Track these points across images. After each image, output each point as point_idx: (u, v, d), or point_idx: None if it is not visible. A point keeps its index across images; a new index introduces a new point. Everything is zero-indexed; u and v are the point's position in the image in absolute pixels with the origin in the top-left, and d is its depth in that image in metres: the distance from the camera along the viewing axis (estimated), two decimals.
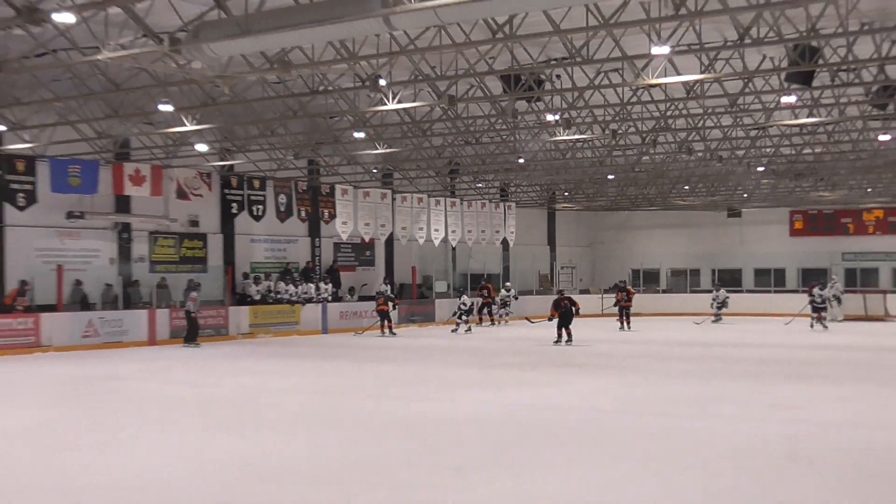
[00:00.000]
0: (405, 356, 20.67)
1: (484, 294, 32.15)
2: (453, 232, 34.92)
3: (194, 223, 27.91)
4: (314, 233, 31.53)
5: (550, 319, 23.45)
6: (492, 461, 8.90)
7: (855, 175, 32.93)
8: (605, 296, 35.02)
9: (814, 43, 15.42)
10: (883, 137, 24.60)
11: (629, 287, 30.35)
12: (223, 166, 27.53)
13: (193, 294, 23.33)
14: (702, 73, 17.03)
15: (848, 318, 32.00)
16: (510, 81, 17.84)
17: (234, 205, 28.36)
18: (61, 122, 21.09)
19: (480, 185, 36.03)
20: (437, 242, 34.44)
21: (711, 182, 35.43)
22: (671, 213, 43.18)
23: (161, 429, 11.11)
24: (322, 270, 31.58)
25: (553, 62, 18.05)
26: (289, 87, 20.39)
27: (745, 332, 27.38)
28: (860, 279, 38.88)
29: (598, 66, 17.93)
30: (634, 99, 20.90)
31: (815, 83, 17.22)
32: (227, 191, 28.28)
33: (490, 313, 31.97)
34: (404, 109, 20.89)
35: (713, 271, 39.89)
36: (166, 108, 19.23)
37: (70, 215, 24.49)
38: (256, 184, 28.81)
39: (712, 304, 32.21)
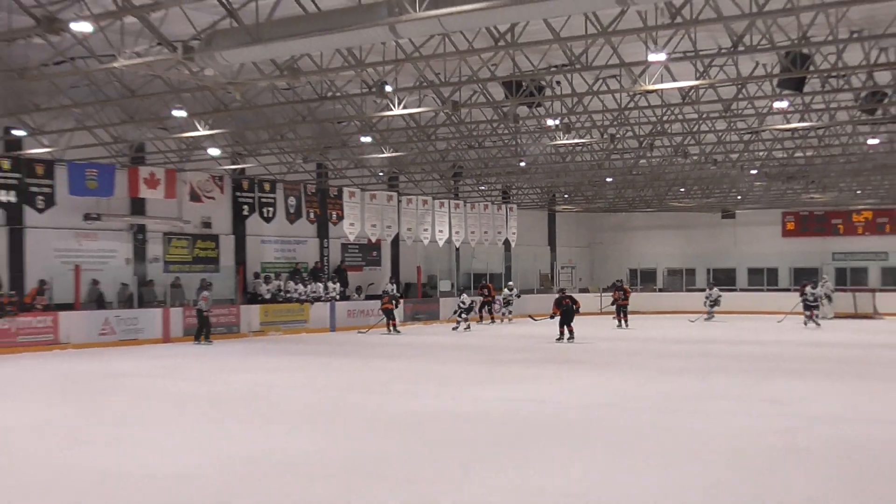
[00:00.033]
0: (410, 353, 20.64)
1: (484, 293, 32.17)
2: (457, 233, 34.91)
3: (207, 225, 27.92)
4: (323, 234, 31.54)
5: (552, 317, 23.41)
6: (494, 455, 8.88)
7: (845, 178, 32.86)
8: (603, 294, 34.99)
9: (805, 50, 15.39)
10: (872, 141, 24.58)
11: (626, 286, 30.35)
12: (235, 170, 27.54)
13: (205, 293, 23.36)
14: (697, 79, 17.00)
15: (838, 316, 31.98)
16: (512, 87, 17.82)
17: (246, 207, 28.37)
18: (79, 128, 21.11)
19: (483, 187, 36.01)
20: (441, 243, 34.44)
21: (706, 184, 35.38)
22: (667, 215, 43.14)
23: (174, 423, 11.12)
24: (330, 270, 31.58)
25: (553, 69, 18.02)
26: (298, 93, 20.40)
27: (740, 330, 27.35)
28: (850, 278, 38.87)
29: (596, 72, 17.92)
30: (632, 104, 20.88)
31: (807, 89, 17.20)
32: (238, 193, 28.29)
33: (490, 312, 31.97)
34: (410, 115, 20.88)
35: (708, 271, 39.85)
36: (180, 113, 19.25)
37: (87, 217, 24.51)
38: (267, 186, 28.82)
39: (705, 302, 32.25)
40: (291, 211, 29.51)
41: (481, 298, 31.92)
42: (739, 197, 38.51)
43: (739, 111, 21.53)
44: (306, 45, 12.49)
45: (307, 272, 30.16)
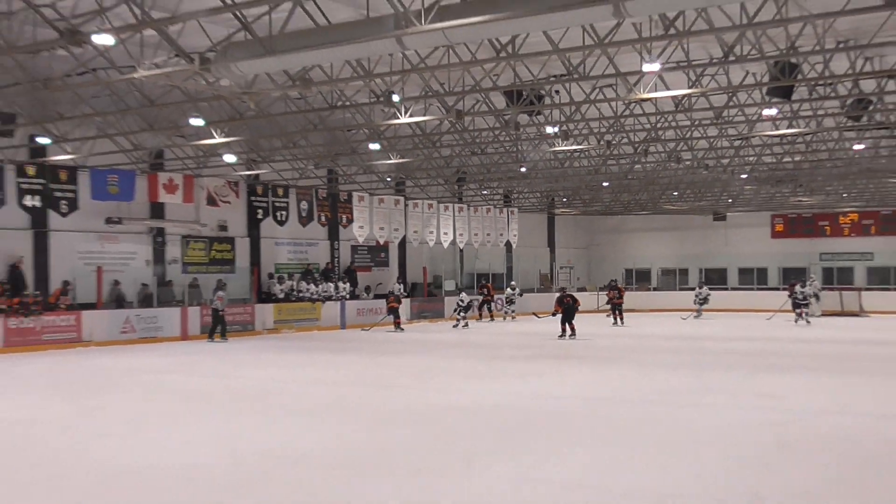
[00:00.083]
0: (416, 350, 20.62)
1: (484, 293, 32.15)
2: (461, 235, 34.89)
3: (223, 228, 27.93)
4: (333, 236, 31.54)
5: (554, 315, 23.41)
6: (497, 447, 8.87)
7: (831, 181, 32.79)
8: (600, 293, 34.96)
9: (793, 60, 15.36)
10: (857, 147, 24.51)
11: (620, 285, 30.33)
12: (249, 175, 27.55)
13: (220, 293, 23.36)
14: (689, 87, 16.97)
15: (825, 314, 31.89)
16: (513, 96, 17.81)
17: (260, 211, 28.37)
18: (100, 135, 21.13)
19: (486, 191, 35.99)
20: (445, 245, 34.43)
21: (698, 188, 35.33)
22: (661, 217, 43.09)
23: (190, 417, 11.11)
24: (340, 271, 31.58)
25: (552, 78, 18.01)
26: (309, 102, 20.40)
27: (731, 327, 27.31)
28: (836, 278, 38.76)
29: (593, 81, 17.90)
30: (627, 112, 20.84)
31: (795, 97, 17.16)
32: (253, 198, 28.28)
33: (490, 310, 31.95)
34: (416, 123, 20.88)
35: (700, 271, 39.77)
36: (197, 121, 19.26)
37: (109, 221, 24.53)
38: (280, 191, 28.82)
39: (695, 300, 32.25)
40: (304, 214, 29.52)
41: (481, 297, 31.92)
42: (730, 200, 38.44)
43: (730, 118, 21.49)
44: (317, 56, 12.49)
45: (319, 273, 30.15)
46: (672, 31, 13.07)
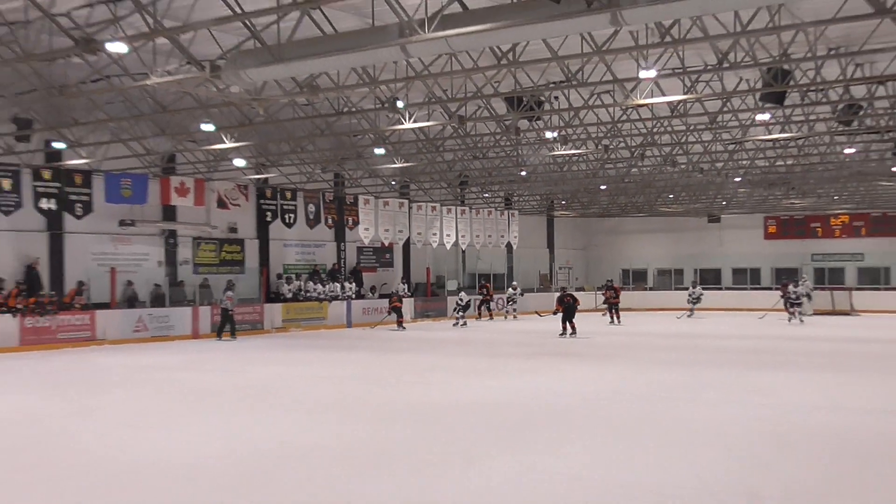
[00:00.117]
0: (420, 347, 20.63)
1: (483, 292, 32.15)
2: (463, 237, 34.89)
3: (233, 230, 27.96)
4: (340, 238, 31.55)
5: (555, 314, 23.46)
6: (498, 442, 8.88)
7: (823, 184, 32.76)
8: (598, 293, 34.92)
9: (785, 66, 15.35)
10: (848, 151, 24.48)
11: (616, 285, 30.32)
12: (259, 179, 27.59)
13: (229, 293, 23.36)
14: (684, 93, 16.96)
15: (817, 313, 31.85)
16: (513, 102, 17.80)
17: (269, 213, 28.40)
18: (114, 140, 21.18)
19: (487, 194, 36.00)
20: (448, 246, 34.45)
21: (693, 191, 35.31)
22: (657, 219, 43.06)
23: (202, 412, 11.13)
24: (346, 271, 31.59)
25: (552, 85, 18.02)
26: (317, 108, 20.40)
27: (726, 325, 27.29)
28: (828, 278, 38.74)
29: (591, 88, 17.88)
30: (624, 117, 20.84)
31: (787, 102, 17.14)
32: (262, 201, 28.32)
33: (489, 309, 31.95)
34: (419, 128, 20.86)
35: (695, 271, 39.74)
36: (208, 127, 19.29)
37: (122, 223, 24.57)
38: (288, 194, 28.84)
39: (689, 299, 32.22)
40: (311, 217, 29.53)
41: (480, 297, 31.91)
42: (724, 202, 38.41)
43: (724, 123, 21.47)
44: (324, 64, 12.51)
45: (325, 273, 30.18)
46: (668, 38, 13.06)
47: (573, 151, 24.48)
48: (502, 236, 37.30)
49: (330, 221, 30.14)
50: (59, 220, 23.04)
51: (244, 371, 16.03)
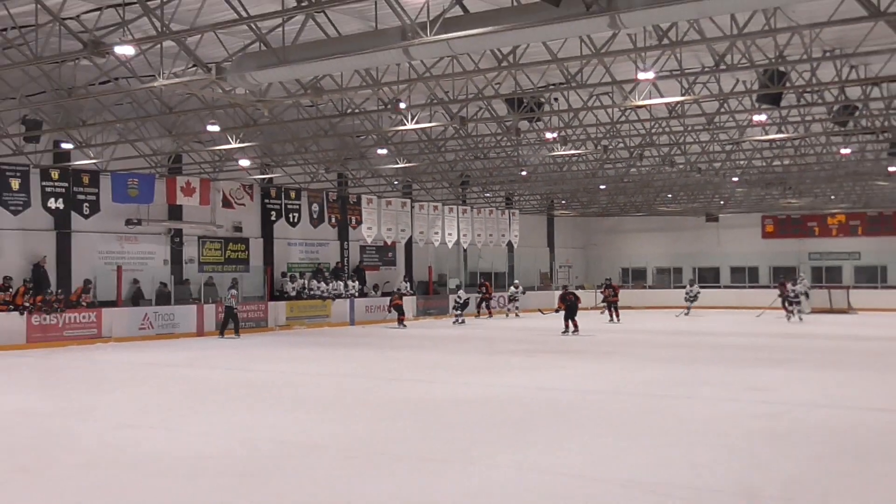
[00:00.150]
0: (422, 345, 20.67)
1: (482, 291, 32.18)
2: (464, 235, 34.95)
3: (238, 229, 28.00)
4: (343, 237, 31.58)
5: (557, 311, 23.57)
6: (499, 437, 8.91)
7: (819, 184, 32.77)
8: (597, 291, 34.94)
9: (781, 68, 15.38)
10: (844, 151, 24.50)
11: (615, 284, 30.35)
12: (263, 179, 27.63)
13: (233, 291, 23.36)
14: (682, 95, 16.99)
15: (815, 311, 31.84)
16: (514, 104, 17.84)
17: (273, 212, 28.46)
18: (121, 141, 21.24)
19: (488, 194, 36.03)
20: (450, 245, 34.50)
21: (691, 191, 35.32)
22: (656, 218, 43.05)
23: (204, 410, 11.10)
24: (350, 270, 31.62)
25: (551, 87, 18.06)
26: (321, 109, 20.48)
27: (724, 323, 27.29)
28: (825, 276, 38.72)
29: (590, 89, 17.93)
30: (623, 118, 20.88)
31: (783, 103, 17.17)
32: (266, 200, 28.37)
33: (488, 307, 31.97)
34: (421, 129, 20.91)
35: (694, 269, 39.75)
36: (213, 128, 19.34)
37: (128, 222, 24.62)
38: (292, 194, 28.90)
39: (686, 297, 32.24)
40: (315, 216, 29.60)
41: (480, 296, 31.93)
42: (722, 202, 38.41)
43: (721, 124, 21.50)
44: (328, 66, 12.55)
45: (329, 271, 30.22)
46: (665, 41, 13.11)
47: (573, 152, 24.52)
48: (503, 235, 37.34)
49: (333, 220, 30.18)
50: (66, 219, 23.08)
51: (247, 368, 16.05)
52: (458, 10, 11.12)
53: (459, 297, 28.74)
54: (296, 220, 29.01)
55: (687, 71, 15.74)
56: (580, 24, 10.24)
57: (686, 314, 31.44)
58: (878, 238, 38.93)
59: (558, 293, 24.22)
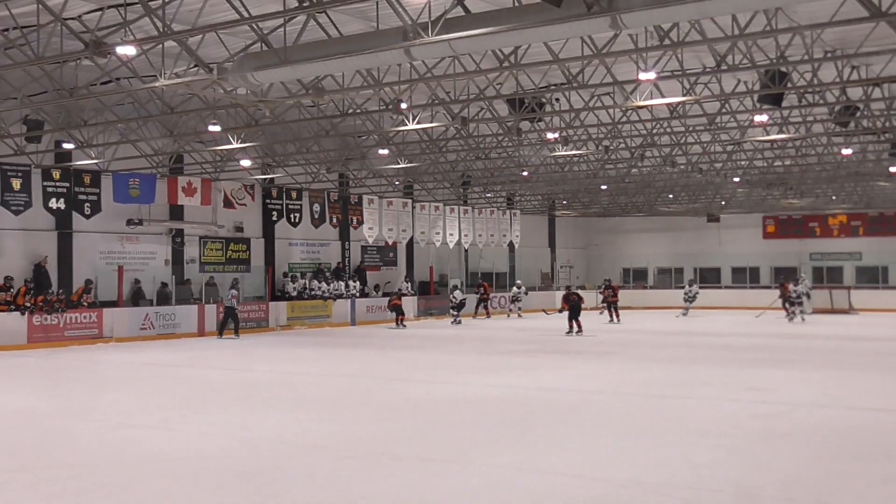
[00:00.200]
0: (423, 345, 20.67)
1: (480, 291, 32.17)
2: (466, 236, 34.96)
3: (239, 229, 28.02)
4: (344, 237, 31.60)
5: (561, 311, 23.62)
6: (499, 436, 8.92)
7: (820, 184, 32.78)
8: (597, 292, 34.92)
9: (783, 68, 15.39)
10: (845, 151, 24.48)
11: (614, 284, 30.36)
12: (265, 179, 27.65)
13: (234, 291, 23.32)
14: (683, 95, 17.00)
15: (816, 312, 31.82)
16: (515, 104, 17.87)
17: (275, 213, 28.48)
18: (123, 141, 21.27)
19: (489, 194, 36.05)
20: (451, 245, 34.52)
21: (693, 191, 35.34)
22: (657, 219, 43.07)
23: (204, 410, 11.10)
24: (351, 270, 31.64)
25: (553, 87, 18.07)
26: (322, 109, 20.50)
27: (725, 324, 27.28)
28: (826, 277, 38.71)
29: (592, 90, 17.94)
30: (624, 119, 20.90)
31: (785, 104, 17.18)
32: (268, 200, 28.39)
33: (486, 308, 31.97)
34: (423, 129, 20.93)
35: (695, 270, 39.75)
36: (215, 128, 19.36)
37: (130, 222, 24.63)
38: (294, 194, 28.92)
39: (685, 297, 32.22)
40: (316, 216, 29.63)
41: (477, 296, 31.91)
42: (723, 202, 38.41)
43: (723, 124, 21.51)
44: (329, 66, 12.57)
45: (330, 272, 30.22)
46: (667, 41, 13.12)
47: (574, 152, 24.53)
48: (504, 235, 37.35)
49: (335, 221, 30.21)
50: (67, 219, 23.10)
51: (248, 369, 16.06)
52: (459, 11, 11.14)
53: (455, 297, 28.72)
54: (297, 220, 29.04)
55: (688, 71, 15.76)
56: (581, 25, 10.25)
57: (684, 314, 31.43)
58: (879, 238, 38.92)
59: (560, 293, 24.19)
